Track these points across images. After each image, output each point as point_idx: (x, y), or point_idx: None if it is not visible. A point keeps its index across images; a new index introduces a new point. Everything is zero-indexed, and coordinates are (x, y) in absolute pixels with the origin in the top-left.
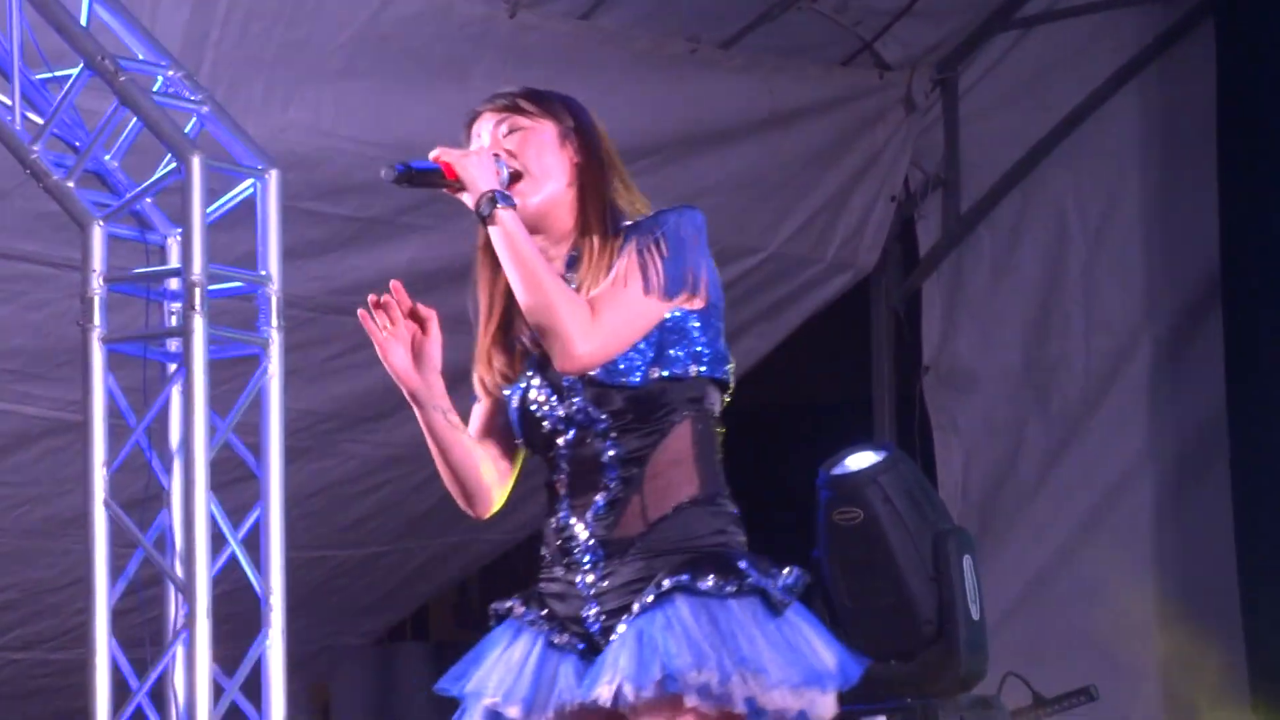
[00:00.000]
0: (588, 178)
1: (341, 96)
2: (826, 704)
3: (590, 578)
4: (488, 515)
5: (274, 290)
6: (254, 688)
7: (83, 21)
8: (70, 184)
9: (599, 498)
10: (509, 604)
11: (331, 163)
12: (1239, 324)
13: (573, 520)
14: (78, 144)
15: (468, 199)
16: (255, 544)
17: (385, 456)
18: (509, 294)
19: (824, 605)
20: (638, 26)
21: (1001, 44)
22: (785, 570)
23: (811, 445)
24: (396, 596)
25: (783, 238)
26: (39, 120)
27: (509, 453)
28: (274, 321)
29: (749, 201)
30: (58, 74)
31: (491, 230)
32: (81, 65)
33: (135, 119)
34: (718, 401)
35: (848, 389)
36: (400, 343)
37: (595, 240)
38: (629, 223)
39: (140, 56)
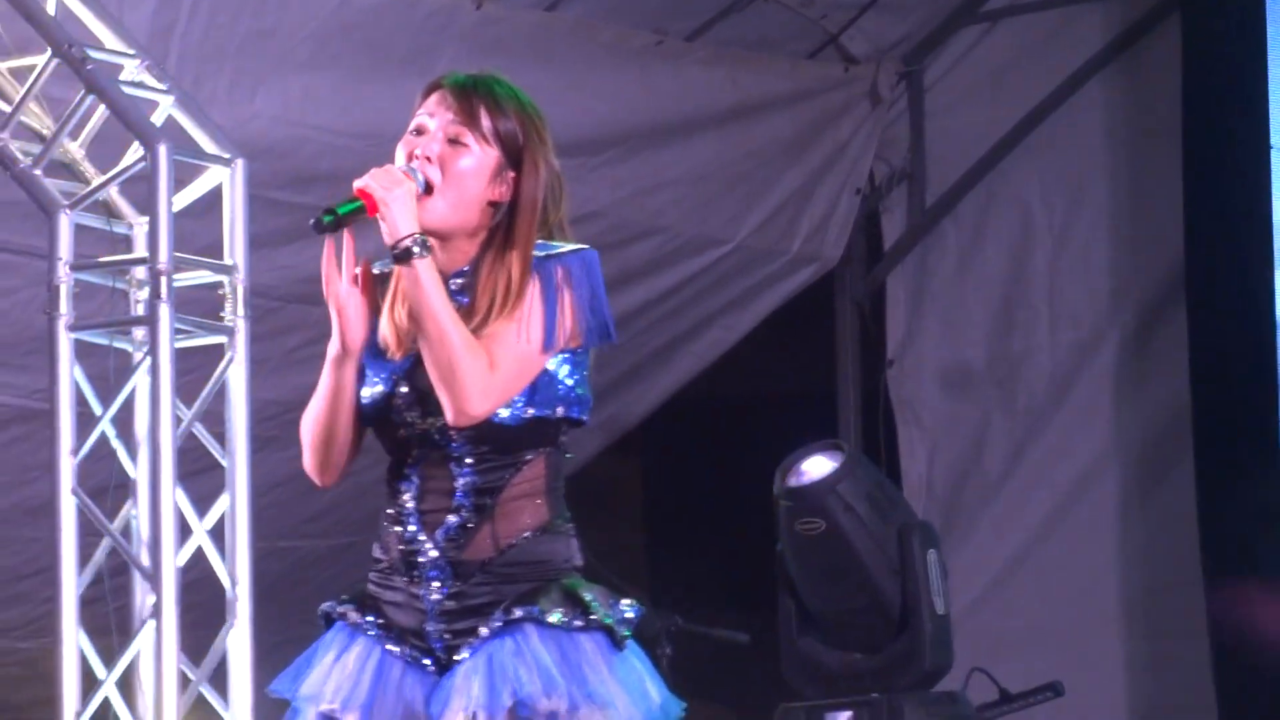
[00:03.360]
0: (504, 221)
1: (308, 86)
2: None
3: (436, 595)
4: (330, 486)
5: (240, 279)
6: (221, 677)
7: (50, 10)
8: (37, 172)
9: (450, 519)
10: (341, 608)
11: (297, 152)
12: (1203, 319)
13: (421, 536)
14: (45, 132)
15: (385, 231)
16: (222, 533)
17: None
18: None
19: (792, 599)
20: (603, 18)
21: (967, 38)
22: (625, 603)
23: (775, 438)
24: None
25: (748, 230)
26: (6, 108)
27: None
28: (240, 310)
29: (714, 194)
30: (25, 62)
31: (404, 271)
32: (49, 54)
33: (102, 107)
34: (568, 436)
35: (812, 382)
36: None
37: (495, 278)
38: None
39: (107, 45)
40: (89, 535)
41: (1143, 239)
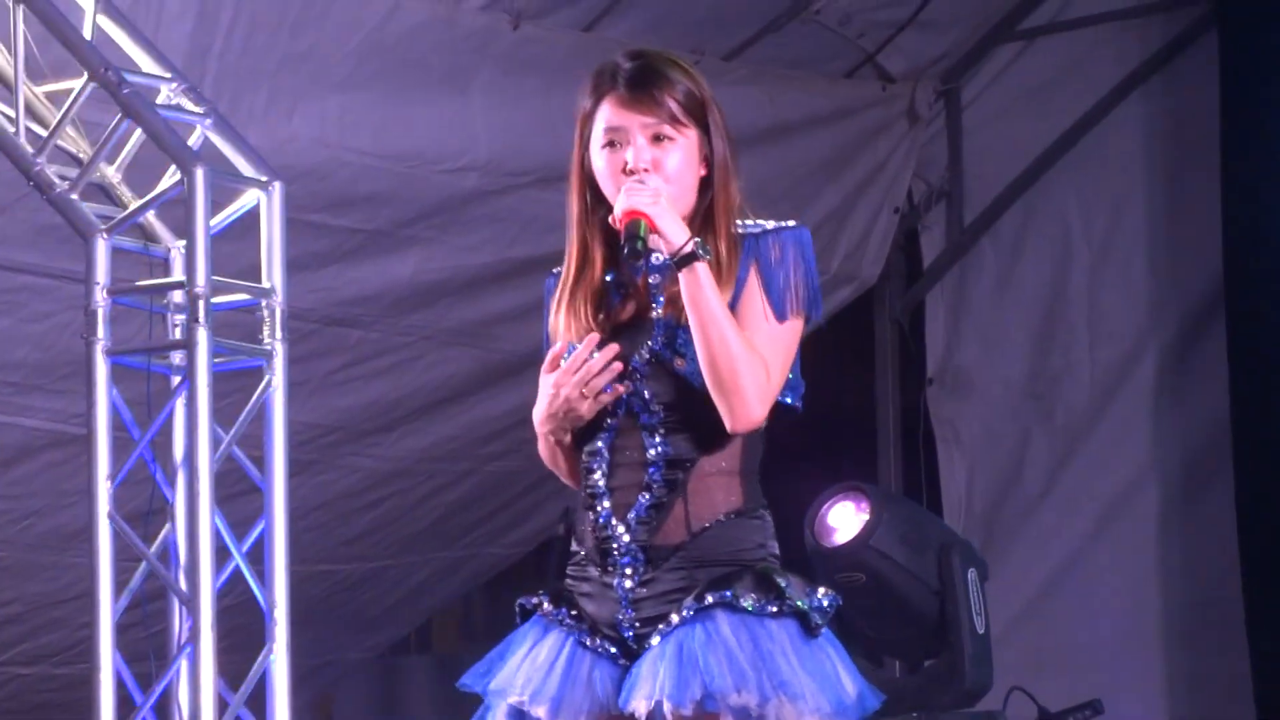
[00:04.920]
0: (713, 192)
1: (345, 108)
2: None
3: (629, 583)
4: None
5: (278, 302)
6: (259, 702)
7: (86, 34)
8: (74, 196)
9: (642, 497)
10: (536, 600)
11: (335, 175)
12: (1243, 333)
13: (614, 520)
14: (82, 156)
15: (663, 242)
16: (259, 557)
17: (388, 470)
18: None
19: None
20: (641, 38)
21: (1004, 56)
22: (820, 591)
23: (815, 457)
24: (400, 610)
25: None
26: (42, 132)
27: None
28: (278, 334)
29: (752, 213)
30: (61, 86)
31: (684, 277)
32: (85, 77)
33: (139, 131)
34: (765, 419)
35: (852, 400)
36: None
37: (718, 250)
38: (741, 230)
39: (144, 69)
40: (126, 560)
41: (1181, 254)
